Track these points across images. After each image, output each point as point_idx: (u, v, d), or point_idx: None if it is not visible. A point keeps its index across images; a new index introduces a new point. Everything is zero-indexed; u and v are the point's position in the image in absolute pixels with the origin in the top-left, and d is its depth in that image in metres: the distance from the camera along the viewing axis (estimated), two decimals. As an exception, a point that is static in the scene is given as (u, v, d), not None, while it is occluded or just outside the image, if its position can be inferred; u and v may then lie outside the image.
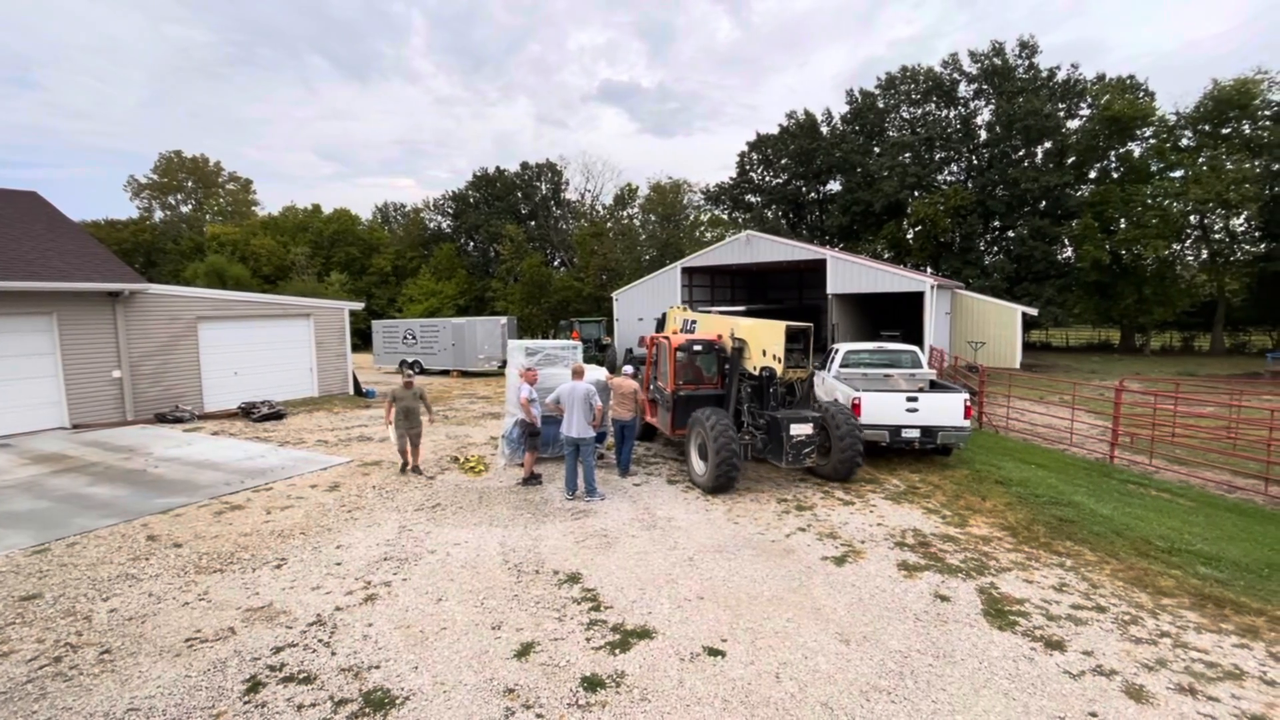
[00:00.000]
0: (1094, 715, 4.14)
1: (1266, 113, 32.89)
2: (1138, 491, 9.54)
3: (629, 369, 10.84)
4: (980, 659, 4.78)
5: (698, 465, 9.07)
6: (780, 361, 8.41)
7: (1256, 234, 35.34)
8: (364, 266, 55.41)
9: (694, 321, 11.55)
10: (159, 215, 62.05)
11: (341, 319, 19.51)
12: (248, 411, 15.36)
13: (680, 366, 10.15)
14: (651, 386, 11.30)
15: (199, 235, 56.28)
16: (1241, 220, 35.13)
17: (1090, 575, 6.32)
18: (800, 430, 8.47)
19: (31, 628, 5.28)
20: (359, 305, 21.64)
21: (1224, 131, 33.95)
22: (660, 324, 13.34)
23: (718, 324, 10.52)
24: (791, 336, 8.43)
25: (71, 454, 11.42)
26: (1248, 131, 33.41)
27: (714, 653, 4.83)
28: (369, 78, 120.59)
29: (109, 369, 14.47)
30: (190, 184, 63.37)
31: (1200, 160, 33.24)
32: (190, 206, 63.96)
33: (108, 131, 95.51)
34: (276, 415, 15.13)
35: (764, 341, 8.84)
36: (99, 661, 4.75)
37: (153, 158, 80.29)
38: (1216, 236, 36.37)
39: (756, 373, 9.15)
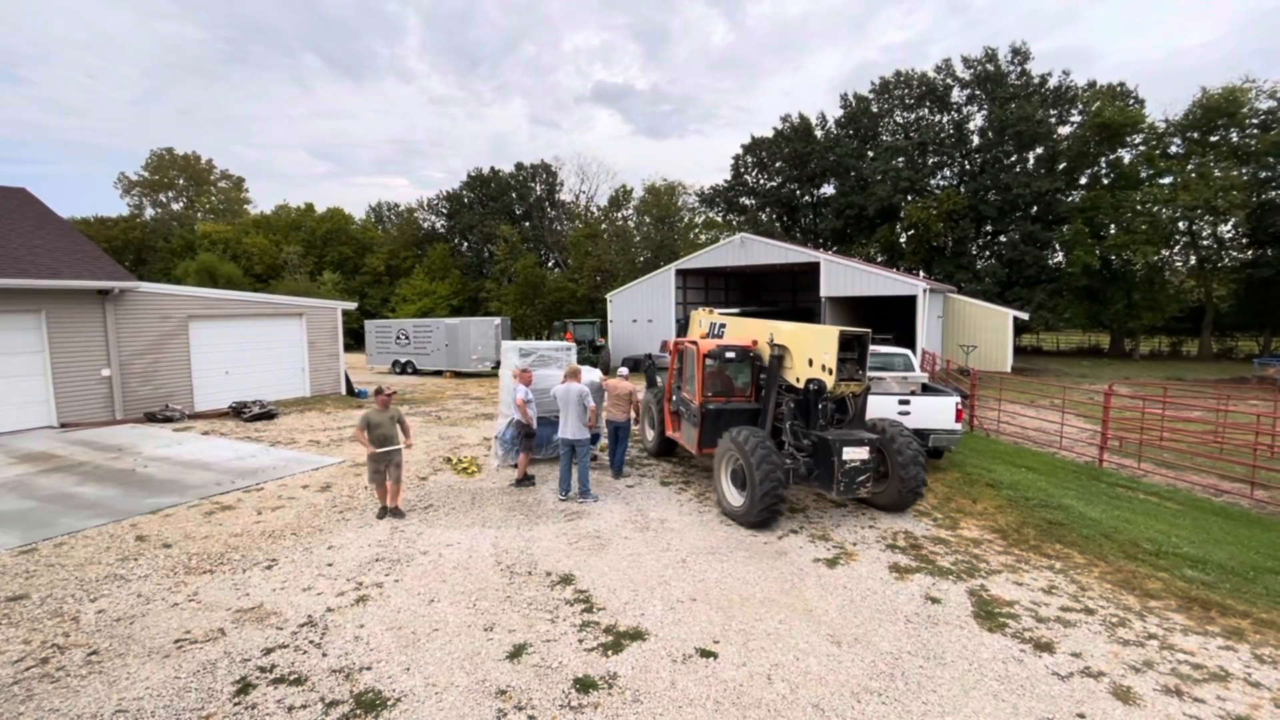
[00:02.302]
0: (1082, 716, 4.18)
1: (1254, 121, 33.30)
2: (1126, 495, 9.63)
3: (624, 370, 10.86)
4: (970, 660, 4.82)
5: (732, 494, 7.90)
6: (831, 373, 7.25)
7: (1244, 240, 35.77)
8: (357, 266, 55.20)
9: (722, 325, 10.30)
10: (150, 213, 61.66)
11: (334, 319, 19.42)
12: (239, 411, 15.26)
13: (709, 376, 9.00)
14: (674, 397, 10.16)
15: (190, 233, 55.89)
16: (1229, 227, 35.56)
17: (1079, 578, 6.38)
18: (854, 455, 7.31)
19: (18, 629, 5.23)
20: (352, 305, 21.56)
21: (1212, 139, 34.36)
22: (682, 328, 12.51)
23: (752, 328, 9.36)
24: (845, 344, 7.24)
25: (59, 453, 11.31)
26: (1235, 139, 33.82)
27: (706, 654, 4.84)
28: (363, 77, 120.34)
29: (98, 367, 14.34)
30: (182, 182, 62.98)
31: (1189, 167, 33.61)
32: (182, 204, 63.57)
33: (98, 128, 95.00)
34: (268, 415, 15.04)
35: (811, 350, 7.68)
36: (87, 663, 4.71)
37: (144, 155, 79.65)
38: (1205, 243, 36.77)
39: (799, 385, 7.99)
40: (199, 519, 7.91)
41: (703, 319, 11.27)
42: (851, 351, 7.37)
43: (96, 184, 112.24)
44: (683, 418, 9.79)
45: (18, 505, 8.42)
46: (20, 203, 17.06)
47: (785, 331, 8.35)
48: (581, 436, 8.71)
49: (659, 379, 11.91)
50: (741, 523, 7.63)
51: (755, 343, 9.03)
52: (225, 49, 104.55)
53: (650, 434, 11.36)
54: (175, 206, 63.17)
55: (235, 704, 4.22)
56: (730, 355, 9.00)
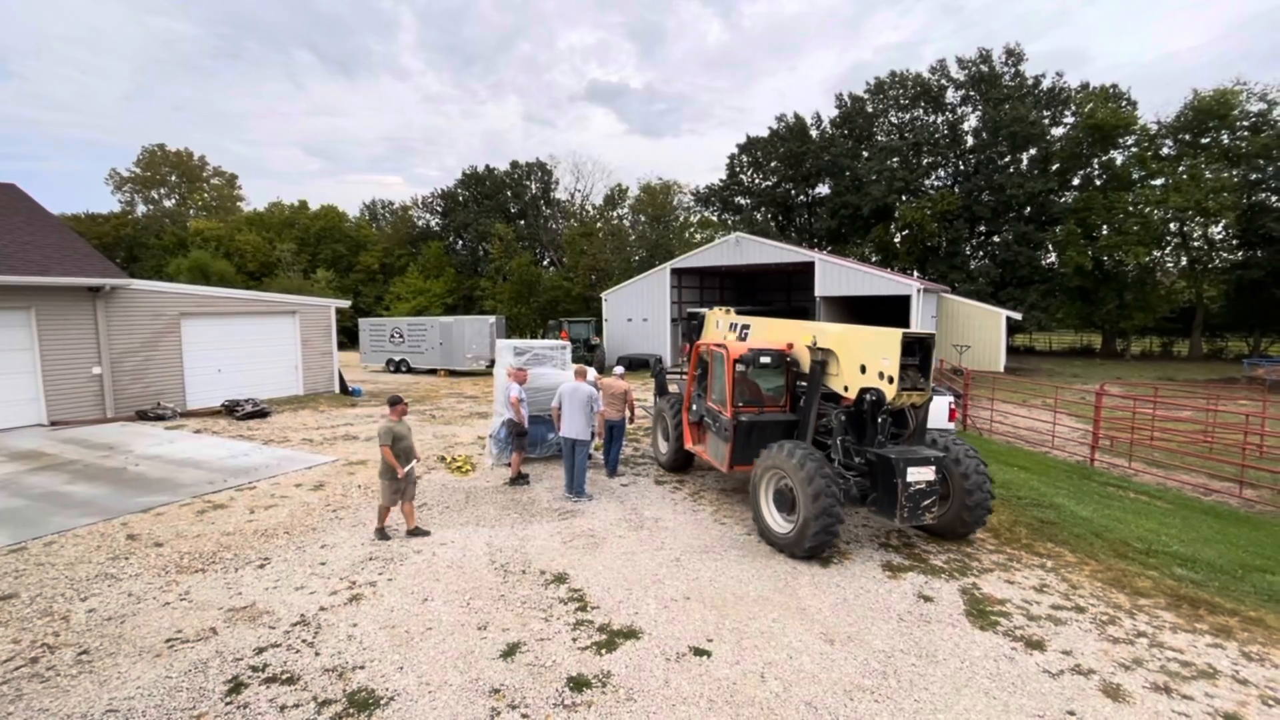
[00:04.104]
0: (1072, 714, 4.21)
1: (1245, 123, 33.57)
2: (1117, 494, 9.70)
3: (619, 369, 10.84)
4: (962, 658, 4.84)
5: (775, 519, 7.00)
6: (893, 382, 6.39)
7: (1234, 242, 36.08)
8: (351, 264, 54.98)
9: (746, 326, 9.21)
10: (141, 209, 61.24)
11: (327, 317, 19.34)
12: (231, 409, 15.18)
13: (739, 383, 8.07)
14: (695, 406, 9.27)
15: (182, 230, 55.55)
16: (1219, 228, 35.85)
17: (1070, 576, 6.43)
18: (920, 476, 6.42)
19: (7, 628, 5.19)
20: (345, 303, 21.48)
21: (1203, 141, 34.62)
22: (695, 329, 10.94)
23: (787, 330, 8.34)
24: (905, 348, 6.39)
25: (49, 451, 11.22)
26: (1226, 141, 34.10)
27: (700, 653, 4.85)
28: (357, 74, 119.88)
29: (89, 365, 14.23)
30: (174, 178, 62.56)
31: (1180, 169, 33.85)
32: (174, 201, 63.12)
33: (90, 124, 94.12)
34: (261, 413, 14.96)
35: (865, 355, 6.78)
36: (77, 662, 4.68)
37: (135, 151, 78.76)
38: (1195, 244, 37.06)
39: (846, 394, 7.10)
40: (191, 518, 7.87)
41: (720, 319, 10.13)
42: (913, 356, 6.53)
43: (88, 180, 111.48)
44: (707, 430, 8.87)
45: (7, 504, 8.34)
46: (10, 199, 16.90)
47: (832, 334, 7.35)
48: (585, 436, 8.72)
49: (673, 385, 11.02)
50: (789, 552, 6.69)
51: (791, 346, 8.08)
52: (218, 45, 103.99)
53: (663, 446, 10.36)
54: (167, 203, 62.72)
55: (227, 703, 4.20)
56: (766, 360, 7.96)
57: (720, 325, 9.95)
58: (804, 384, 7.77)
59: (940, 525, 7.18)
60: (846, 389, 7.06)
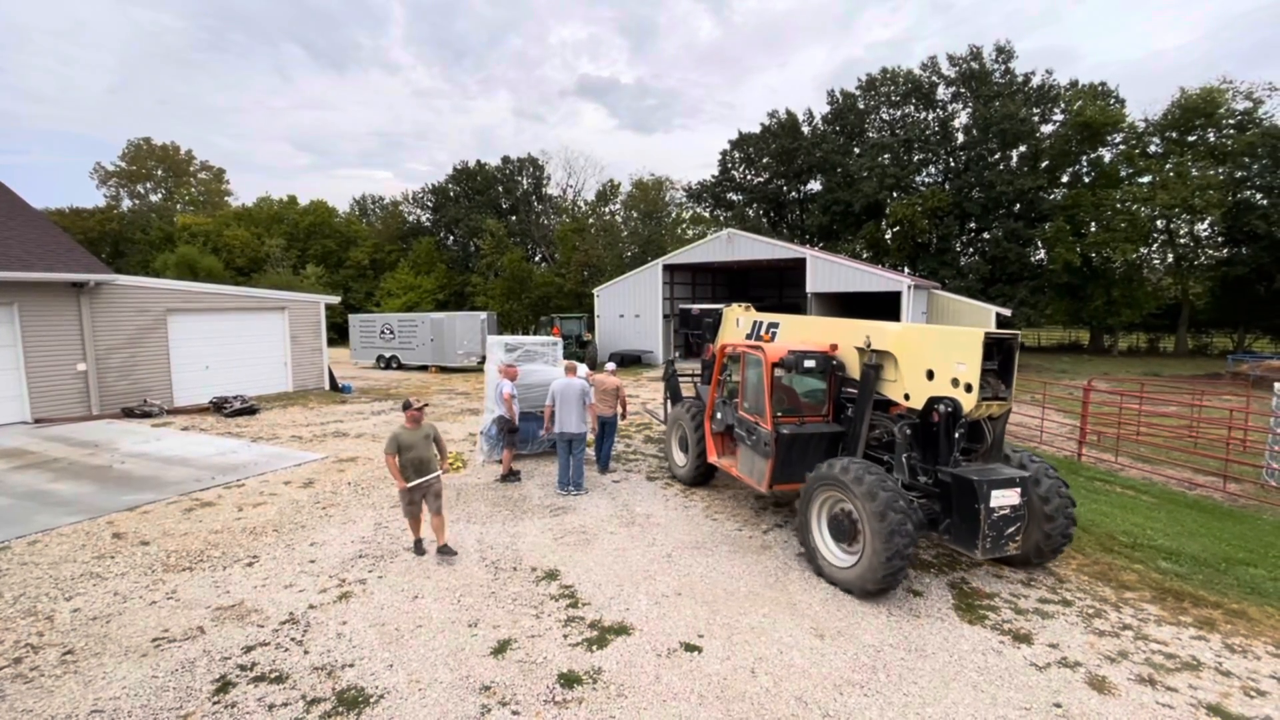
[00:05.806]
0: (1058, 706, 4.25)
1: (1230, 121, 33.92)
2: (1104, 488, 9.80)
3: (611, 365, 10.84)
4: (951, 652, 4.88)
5: (832, 551, 6.12)
6: (971, 390, 5.54)
7: (1219, 239, 36.46)
8: (341, 260, 54.50)
9: (773, 325, 8.25)
10: (127, 204, 60.37)
11: (317, 313, 19.19)
12: (219, 406, 15.04)
13: (777, 390, 7.16)
14: (720, 413, 8.39)
15: (169, 225, 54.77)
16: (1205, 225, 36.22)
17: (1057, 570, 6.49)
18: (1004, 500, 5.53)
19: (-10, 628, 5.12)
20: (335, 299, 21.31)
21: (1190, 139, 34.94)
22: (711, 327, 9.89)
23: (827, 330, 7.39)
24: (987, 351, 5.54)
25: (33, 449, 11.08)
26: (1213, 139, 34.43)
27: (691, 648, 4.87)
28: (346, 68, 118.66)
29: (73, 362, 14.05)
30: (160, 172, 61.69)
31: (1167, 166, 34.14)
32: (160, 196, 62.25)
33: (74, 117, 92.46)
34: (249, 410, 14.84)
35: (934, 359, 5.91)
36: (61, 662, 4.63)
37: (121, 145, 77.70)
38: (1182, 241, 37.43)
39: (904, 401, 6.27)
40: (178, 516, 7.79)
41: (740, 318, 9.19)
42: (991, 360, 5.64)
43: (72, 175, 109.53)
44: (739, 442, 7.83)
45: (-10, 502, 8.23)
46: (-9, 193, 16.62)
47: (891, 334, 6.46)
48: (581, 430, 8.72)
49: (697, 389, 10.08)
50: (854, 591, 5.76)
51: (835, 347, 7.12)
52: (204, 37, 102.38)
53: (680, 458, 9.41)
54: (153, 198, 61.83)
55: (215, 703, 4.17)
56: (810, 364, 6.88)
57: (741, 324, 9.08)
58: (850, 390, 7.02)
59: (1019, 551, 6.01)
60: (907, 397, 6.22)
